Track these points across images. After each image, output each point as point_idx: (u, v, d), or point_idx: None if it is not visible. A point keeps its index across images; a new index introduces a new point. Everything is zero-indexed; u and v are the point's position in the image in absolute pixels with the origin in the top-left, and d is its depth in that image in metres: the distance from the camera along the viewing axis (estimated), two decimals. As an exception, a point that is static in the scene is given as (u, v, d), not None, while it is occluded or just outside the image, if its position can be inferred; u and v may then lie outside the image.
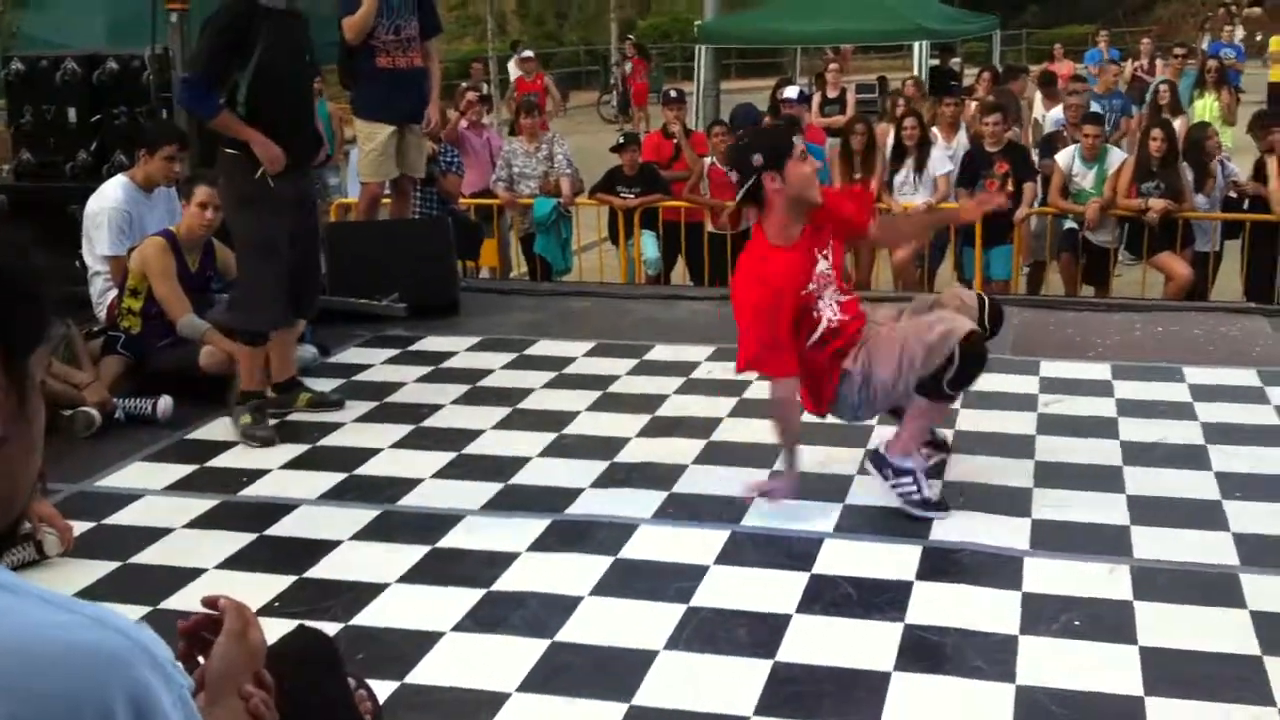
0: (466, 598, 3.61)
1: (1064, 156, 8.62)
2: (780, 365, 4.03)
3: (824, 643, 3.33)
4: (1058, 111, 10.47)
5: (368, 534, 4.08)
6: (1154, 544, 3.83)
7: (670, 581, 3.67)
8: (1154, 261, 8.32)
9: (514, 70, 21.91)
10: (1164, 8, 36.01)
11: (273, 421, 5.03)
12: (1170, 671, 3.13)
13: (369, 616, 3.52)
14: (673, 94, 10.44)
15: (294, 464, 4.72)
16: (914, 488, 4.01)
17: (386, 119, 6.92)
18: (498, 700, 3.09)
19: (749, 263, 4.10)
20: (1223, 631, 3.31)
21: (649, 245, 9.15)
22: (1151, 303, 7.32)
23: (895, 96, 11.07)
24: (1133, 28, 29.99)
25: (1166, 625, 3.35)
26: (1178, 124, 9.65)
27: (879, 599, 3.54)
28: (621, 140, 9.46)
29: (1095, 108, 9.98)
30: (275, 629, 1.87)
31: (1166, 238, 8.22)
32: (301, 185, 5.09)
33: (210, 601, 1.65)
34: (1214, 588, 3.55)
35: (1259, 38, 23.27)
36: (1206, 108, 11.98)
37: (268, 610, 3.53)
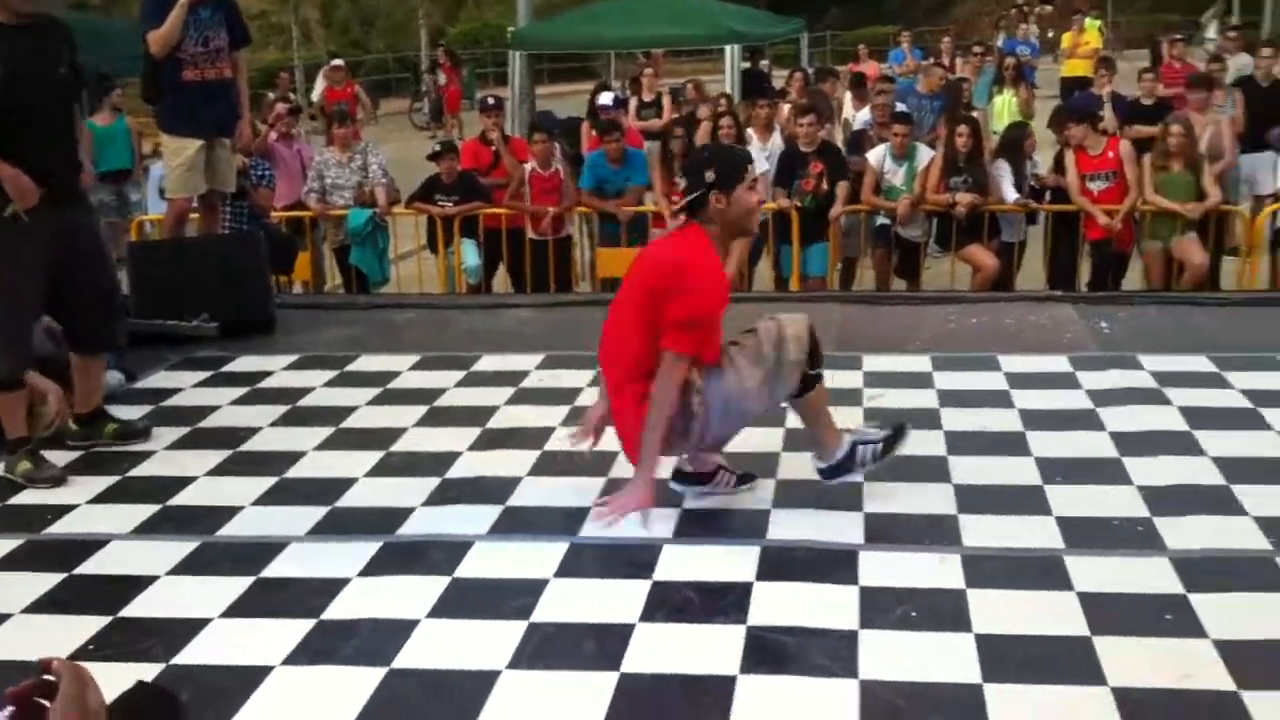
0: (296, 629, 3.46)
1: (875, 155, 8.82)
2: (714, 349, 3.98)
3: (669, 650, 3.29)
4: (867, 112, 10.70)
5: (186, 567, 3.88)
6: (982, 532, 3.89)
7: (510, 598, 3.58)
8: (962, 254, 8.57)
9: (320, 80, 21.47)
10: (960, 7, 37.34)
11: (74, 455, 4.78)
12: (1006, 657, 3.17)
13: (192, 654, 3.34)
14: (490, 101, 10.35)
15: (102, 497, 4.47)
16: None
17: (195, 133, 6.70)
18: (335, 734, 2.97)
19: (692, 244, 3.94)
20: (1052, 615, 3.37)
21: (469, 253, 9.05)
22: (964, 294, 7.53)
23: (686, 103, 11.14)
24: (931, 27, 31.00)
25: (999, 611, 3.40)
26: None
27: (721, 602, 3.51)
28: (438, 148, 9.34)
29: (901, 107, 10.23)
30: (94, 675, 1.73)
31: (973, 230, 8.47)
32: (70, 213, 4.69)
33: (44, 665, 1.52)
34: (1041, 572, 3.62)
35: (1050, 34, 24.31)
36: (1005, 104, 12.38)
37: (81, 654, 3.33)
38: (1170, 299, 6.77)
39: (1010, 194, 8.50)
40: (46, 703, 1.51)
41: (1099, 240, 8.38)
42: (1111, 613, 3.36)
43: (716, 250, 3.96)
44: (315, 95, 19.71)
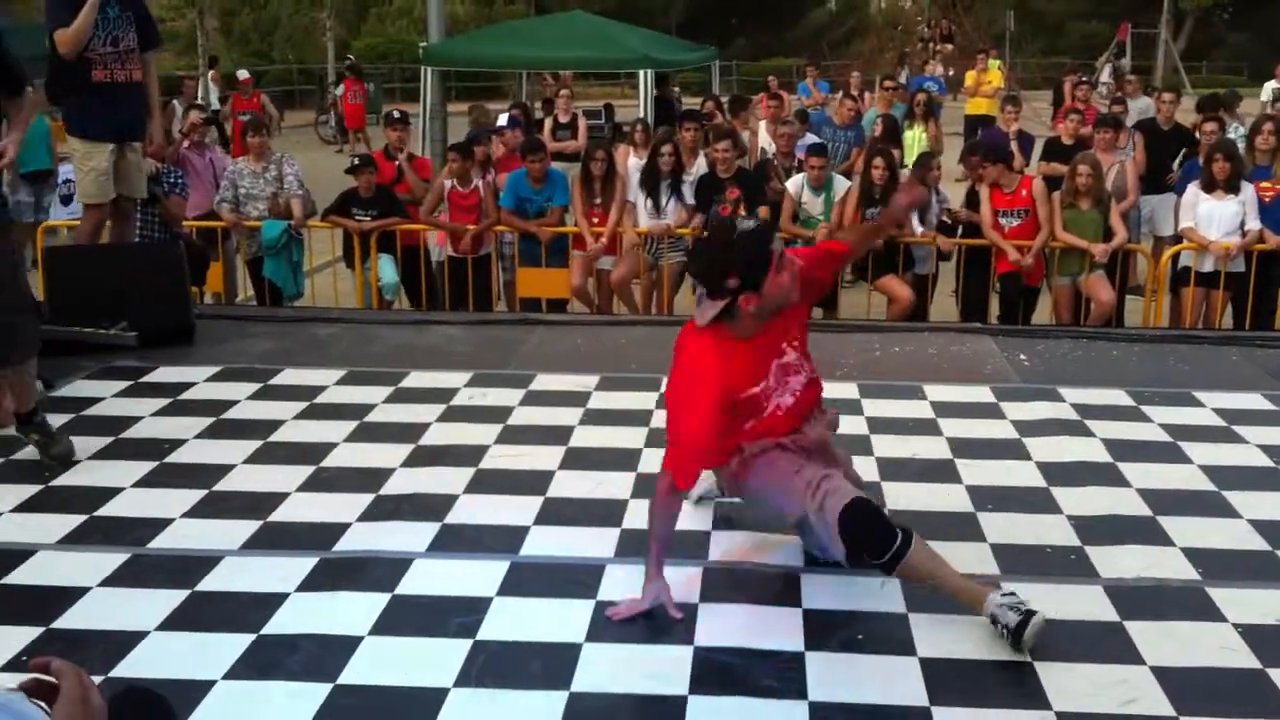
0: (236, 643, 3.40)
1: (794, 184, 8.94)
2: (687, 476, 3.60)
3: (617, 670, 3.29)
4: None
5: (118, 579, 3.79)
6: (920, 557, 3.95)
7: (453, 616, 3.56)
8: (878, 284, 8.71)
9: (213, 89, 21.25)
10: (861, 43, 38.01)
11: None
12: (951, 681, 3.23)
13: (130, 667, 3.27)
14: (395, 115, 10.25)
15: (26, 506, 4.34)
16: None
17: (105, 137, 6.54)
18: (284, 750, 2.92)
19: (700, 350, 3.57)
20: (993, 640, 3.43)
21: (386, 269, 8.94)
22: (886, 324, 7.64)
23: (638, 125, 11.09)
24: (834, 61, 31.52)
25: (942, 635, 3.46)
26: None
27: (666, 622, 3.53)
28: (356, 162, 9.22)
29: (813, 138, 10.39)
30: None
31: (889, 261, 8.62)
32: None
33: (40, 665, 1.48)
34: (980, 597, 3.69)
35: (951, 72, 24.85)
36: (915, 139, 12.64)
37: (15, 666, 3.24)
38: (1084, 334, 6.94)
39: (916, 225, 8.67)
40: (41, 703, 1.49)
41: (1007, 275, 8.56)
42: (1051, 638, 3.43)
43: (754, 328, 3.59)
44: (214, 104, 19.52)
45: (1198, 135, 10.11)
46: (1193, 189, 8.48)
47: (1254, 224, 8.25)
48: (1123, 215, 8.86)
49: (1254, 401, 5.55)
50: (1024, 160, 10.83)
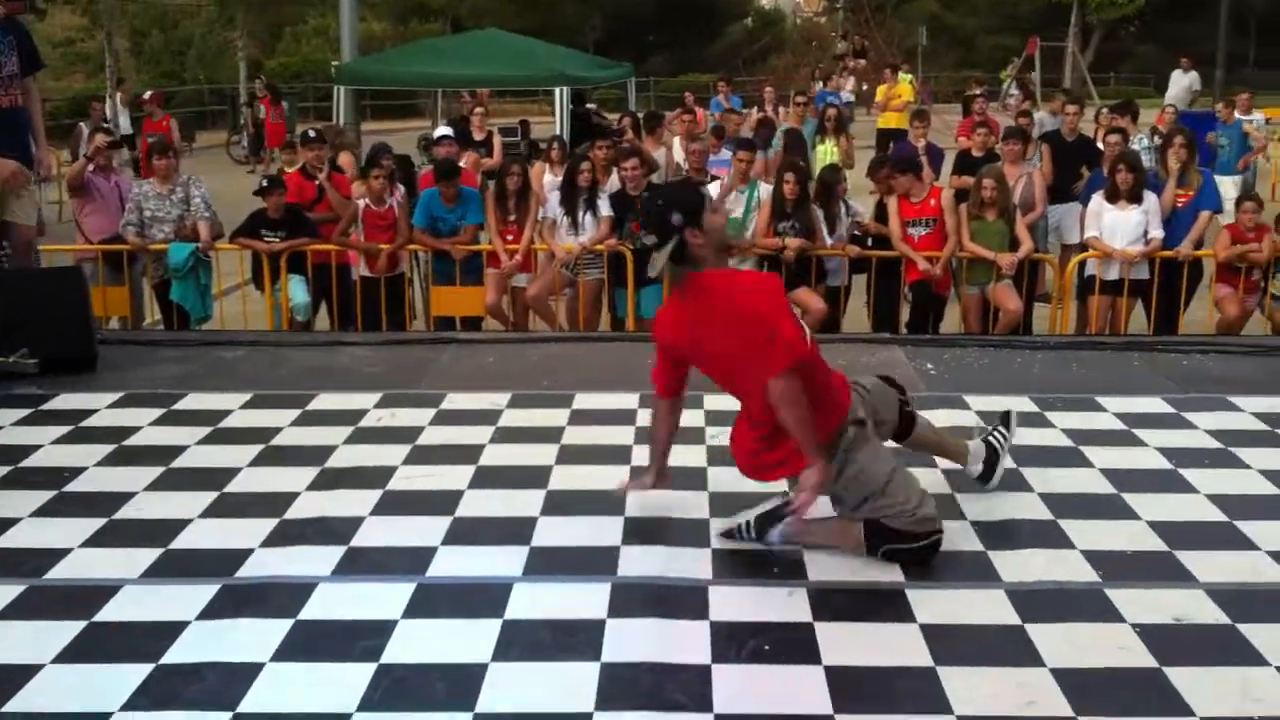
0: (134, 674, 3.33)
1: (714, 187, 8.99)
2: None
3: (524, 688, 3.27)
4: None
5: (13, 611, 3.70)
6: (827, 565, 3.97)
7: (357, 640, 3.52)
8: (792, 296, 8.76)
9: (122, 111, 20.91)
10: (778, 58, 38.32)
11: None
12: (853, 688, 3.25)
13: (24, 701, 3.20)
14: (311, 134, 10.12)
15: (-81, 539, 4.24)
16: None
17: None
18: (181, 782, 2.87)
19: (733, 285, 3.93)
20: (897, 645, 3.47)
21: (298, 290, 8.85)
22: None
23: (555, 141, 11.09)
24: (749, 77, 31.75)
25: (845, 643, 3.49)
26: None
27: (573, 639, 3.52)
28: (265, 184, 9.12)
29: (728, 155, 10.46)
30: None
31: (802, 274, 8.69)
32: None
33: None
34: (885, 604, 3.72)
35: (865, 88, 25.15)
36: (827, 152, 12.78)
37: (-98, 705, 3.15)
38: (991, 342, 7.04)
39: (826, 238, 8.74)
40: None
41: (917, 284, 8.67)
42: (953, 643, 3.47)
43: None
44: (125, 127, 19.25)
45: (1101, 146, 10.32)
46: (1097, 199, 8.65)
47: (1156, 232, 8.43)
48: (1030, 225, 9.01)
49: (1154, 405, 5.66)
50: (933, 173, 10.97)
